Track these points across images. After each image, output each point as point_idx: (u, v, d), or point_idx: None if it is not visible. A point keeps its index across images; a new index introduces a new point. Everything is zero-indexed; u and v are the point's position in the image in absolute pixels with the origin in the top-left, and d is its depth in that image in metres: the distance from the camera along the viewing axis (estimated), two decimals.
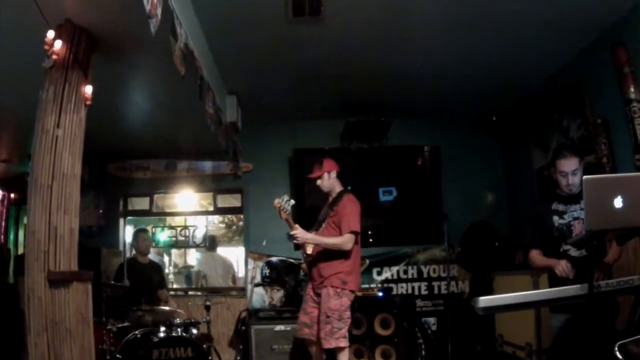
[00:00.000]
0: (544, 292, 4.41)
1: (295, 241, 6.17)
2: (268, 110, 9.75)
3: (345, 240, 6.01)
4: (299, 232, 6.08)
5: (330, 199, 6.45)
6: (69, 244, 4.85)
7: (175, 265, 13.04)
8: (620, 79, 6.65)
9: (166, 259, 12.43)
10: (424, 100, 9.68)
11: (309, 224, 6.56)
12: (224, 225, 13.30)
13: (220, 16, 6.40)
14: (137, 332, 6.82)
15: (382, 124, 9.79)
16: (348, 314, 6.02)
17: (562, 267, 4.73)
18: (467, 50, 7.64)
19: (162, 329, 6.79)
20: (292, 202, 6.27)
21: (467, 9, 6.49)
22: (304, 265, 6.47)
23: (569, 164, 5.03)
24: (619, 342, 3.50)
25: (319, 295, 6.09)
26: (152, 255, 9.34)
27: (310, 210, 6.94)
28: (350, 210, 6.16)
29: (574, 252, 4.88)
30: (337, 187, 6.46)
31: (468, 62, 8.00)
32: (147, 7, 4.06)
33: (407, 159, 10.32)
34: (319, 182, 6.48)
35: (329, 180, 6.45)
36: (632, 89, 6.47)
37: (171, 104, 7.42)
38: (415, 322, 8.60)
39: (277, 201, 6.22)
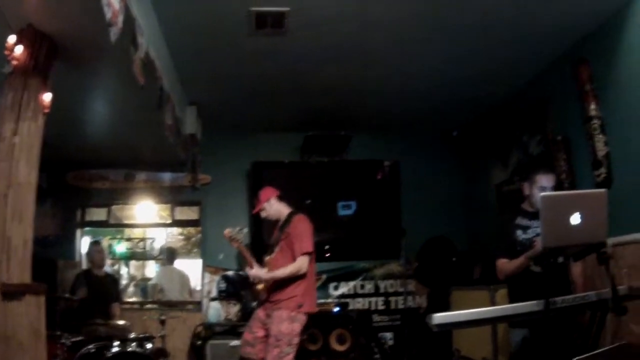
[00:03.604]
0: (500, 309, 4.42)
1: (253, 285, 6.15)
2: (228, 122, 9.71)
3: (299, 266, 5.90)
4: (254, 272, 6.03)
5: (280, 222, 6.37)
6: (22, 255, 4.76)
7: (134, 278, 12.90)
8: (581, 96, 6.74)
9: (124, 270, 12.28)
10: (384, 115, 9.72)
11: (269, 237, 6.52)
12: (183, 237, 13.19)
13: (183, 26, 6.36)
14: (91, 346, 6.68)
15: (342, 138, 9.80)
16: (297, 339, 5.93)
17: (535, 248, 4.72)
18: (427, 66, 7.69)
19: (116, 343, 6.68)
20: (245, 231, 6.20)
21: (427, 25, 6.55)
22: (259, 287, 6.33)
23: (548, 179, 5.09)
24: (576, 358, 3.51)
25: (269, 316, 5.98)
26: (107, 268, 9.22)
27: (269, 226, 6.86)
28: (301, 231, 6.06)
29: (535, 267, 4.89)
30: (284, 210, 6.35)
31: (428, 77, 8.05)
32: (108, 15, 4.01)
33: (367, 173, 10.28)
34: (263, 214, 6.37)
35: (272, 208, 6.32)
36: (592, 106, 6.55)
37: (131, 114, 7.34)
38: (372, 337, 8.60)
39: (227, 231, 6.17)
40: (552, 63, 7.52)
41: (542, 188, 4.99)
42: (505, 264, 5.10)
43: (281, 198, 6.39)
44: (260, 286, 6.10)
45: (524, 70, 7.87)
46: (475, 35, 6.81)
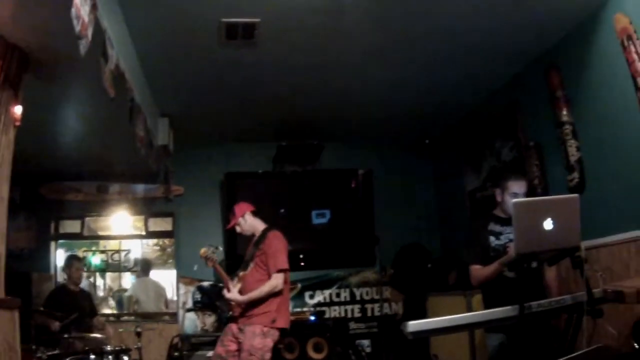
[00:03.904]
0: (474, 315, 4.41)
1: (231, 307, 6.14)
2: (200, 133, 9.67)
3: (275, 284, 5.87)
4: (231, 296, 5.99)
5: (255, 238, 6.33)
6: None
7: (110, 289, 12.81)
8: (553, 102, 6.82)
9: (100, 282, 12.19)
10: (356, 123, 9.73)
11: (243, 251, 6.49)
12: (158, 248, 13.12)
13: (154, 38, 6.33)
14: None
15: (314, 147, 9.81)
16: (269, 355, 5.89)
17: (509, 254, 4.74)
18: (399, 74, 7.71)
19: (93, 357, 6.63)
20: (220, 249, 6.20)
21: (398, 35, 6.57)
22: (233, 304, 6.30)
23: (520, 186, 5.11)
24: None
25: (241, 331, 5.95)
26: (83, 282, 9.15)
27: (243, 243, 6.84)
28: (277, 248, 6.03)
29: (508, 273, 4.91)
30: (259, 226, 6.33)
31: (400, 85, 8.07)
32: (77, 28, 3.97)
33: (341, 182, 10.32)
34: (238, 229, 6.34)
35: (247, 223, 6.31)
36: (564, 112, 6.62)
37: (102, 126, 7.29)
38: (349, 344, 8.59)
39: (203, 250, 6.15)
40: (523, 69, 7.58)
41: (514, 194, 5.02)
42: (478, 270, 5.11)
43: (256, 213, 6.38)
44: (236, 310, 6.09)
45: (495, 77, 7.91)
46: (447, 43, 6.84)
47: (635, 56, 5.38)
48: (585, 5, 6.02)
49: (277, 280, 5.89)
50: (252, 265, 6.11)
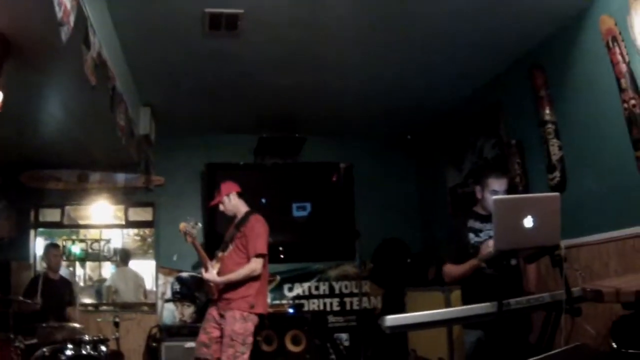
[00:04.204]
0: (453, 311, 4.42)
1: (209, 289, 6.12)
2: (182, 123, 9.63)
3: (253, 268, 5.89)
4: (209, 276, 5.99)
5: (237, 219, 6.34)
6: None
7: (90, 279, 12.74)
8: (536, 101, 6.84)
9: (80, 272, 12.12)
10: (338, 117, 9.72)
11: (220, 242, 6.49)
12: (139, 238, 13.05)
13: (137, 26, 6.28)
14: (45, 349, 6.59)
15: (295, 140, 9.81)
16: (251, 339, 5.91)
17: (484, 251, 4.75)
18: (382, 69, 7.70)
19: (70, 346, 6.60)
20: (200, 226, 6.17)
21: (381, 30, 6.56)
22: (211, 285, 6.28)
23: (500, 183, 5.11)
24: (531, 359, 3.53)
25: (222, 316, 5.96)
26: (62, 270, 9.10)
27: (223, 224, 6.82)
28: (258, 232, 6.05)
29: (488, 270, 4.91)
30: (242, 208, 6.36)
31: (383, 81, 8.07)
32: (59, 14, 3.94)
33: (322, 175, 10.30)
34: (221, 207, 6.36)
35: (230, 203, 6.33)
36: (547, 111, 6.65)
37: (83, 114, 7.21)
38: (328, 338, 8.60)
39: (182, 225, 6.14)
40: (507, 68, 7.60)
41: (494, 192, 5.03)
42: (451, 268, 5.16)
43: (241, 195, 6.40)
44: (215, 292, 6.07)
45: (479, 74, 7.92)
46: (431, 40, 6.85)
47: (619, 57, 5.40)
48: (571, 6, 6.03)
49: (256, 264, 5.90)
50: (231, 247, 6.12)
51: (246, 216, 6.22)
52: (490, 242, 4.50)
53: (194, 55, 7.08)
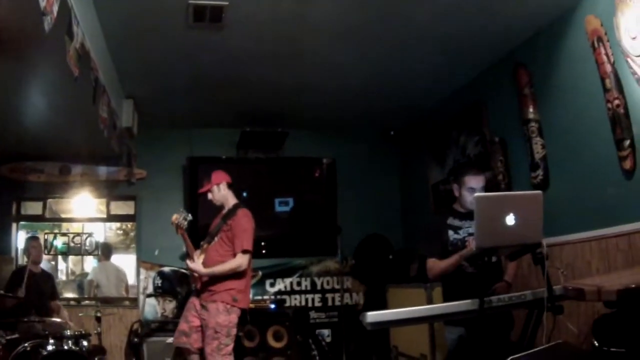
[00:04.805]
0: (434, 308, 4.44)
1: (194, 279, 6.10)
2: (165, 116, 9.59)
3: (239, 263, 5.85)
4: (194, 266, 5.94)
5: (224, 211, 6.31)
6: None
7: (73, 273, 12.68)
8: (520, 99, 6.87)
9: (63, 266, 12.08)
10: (321, 112, 9.72)
11: (203, 235, 6.45)
12: (121, 232, 13.00)
13: (121, 17, 6.21)
14: (26, 344, 6.55)
15: (278, 134, 9.79)
16: (235, 330, 5.89)
17: (468, 247, 4.77)
18: (366, 65, 7.71)
19: (52, 341, 6.55)
20: (190, 217, 6.13)
21: (365, 25, 6.54)
22: (195, 275, 6.25)
23: (477, 181, 5.10)
24: (510, 357, 3.53)
25: (204, 307, 5.92)
26: (44, 264, 9.04)
27: (206, 217, 6.79)
28: (244, 227, 6.00)
29: (468, 268, 4.92)
30: (231, 199, 6.31)
31: (367, 76, 8.09)
32: (42, 4, 3.89)
33: (305, 170, 10.35)
34: (209, 195, 6.31)
35: (219, 193, 6.28)
36: (531, 109, 6.68)
37: (65, 106, 7.17)
38: (309, 334, 8.58)
39: (175, 216, 6.05)
40: (491, 66, 7.63)
41: (471, 189, 5.04)
42: (435, 263, 5.12)
43: (231, 186, 6.36)
44: (198, 283, 6.05)
45: (463, 71, 7.96)
46: (416, 37, 6.86)
47: (605, 58, 5.43)
48: (557, 6, 6.07)
49: (242, 260, 5.86)
50: (217, 239, 6.08)
51: (234, 209, 6.17)
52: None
53: (177, 47, 7.04)
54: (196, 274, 5.99)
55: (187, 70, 7.75)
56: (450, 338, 5.15)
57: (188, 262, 6.01)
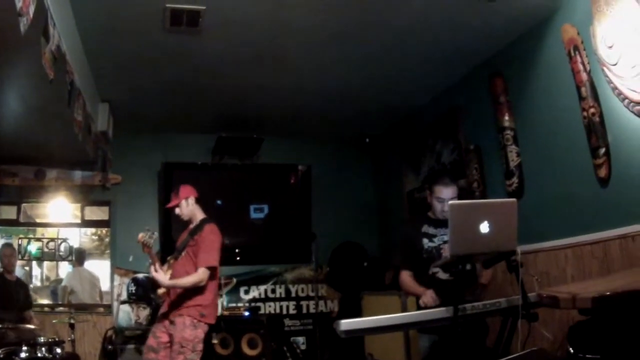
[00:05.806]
0: (408, 315, 4.41)
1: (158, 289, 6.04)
2: (141, 120, 9.54)
3: (200, 279, 5.74)
4: (157, 276, 5.88)
5: (192, 226, 6.22)
6: None
7: (48, 279, 12.58)
8: (495, 108, 6.92)
9: (37, 271, 11.97)
10: (297, 119, 9.72)
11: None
12: (96, 237, 12.91)
13: (97, 21, 6.18)
14: None
15: (254, 140, 9.75)
16: (201, 346, 5.82)
17: (426, 298, 4.76)
18: (342, 73, 7.74)
19: (25, 348, 6.47)
20: (156, 235, 6.07)
21: (342, 31, 6.56)
22: (160, 291, 6.19)
23: (447, 192, 5.07)
24: None
25: (172, 323, 5.86)
26: (18, 270, 8.95)
27: (180, 227, 6.74)
28: (210, 243, 5.92)
29: (442, 275, 4.92)
30: (199, 215, 6.21)
31: (344, 83, 8.10)
32: (19, 5, 3.85)
33: (280, 177, 10.31)
34: (177, 210, 6.19)
35: (187, 208, 6.17)
36: (506, 117, 6.74)
37: (40, 109, 7.09)
38: (284, 341, 8.56)
39: (141, 235, 5.97)
40: (467, 74, 7.69)
41: (440, 199, 5.05)
42: (407, 281, 5.16)
43: (198, 201, 6.26)
44: (161, 290, 5.99)
45: (439, 79, 7.99)
46: (393, 43, 6.87)
47: (581, 66, 5.48)
48: (533, 15, 6.12)
49: (203, 275, 5.75)
50: (183, 254, 6.02)
51: (201, 224, 6.09)
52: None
53: (154, 52, 7.00)
54: (161, 285, 5.94)
55: (163, 75, 7.71)
56: (423, 345, 5.14)
57: (151, 270, 5.94)
